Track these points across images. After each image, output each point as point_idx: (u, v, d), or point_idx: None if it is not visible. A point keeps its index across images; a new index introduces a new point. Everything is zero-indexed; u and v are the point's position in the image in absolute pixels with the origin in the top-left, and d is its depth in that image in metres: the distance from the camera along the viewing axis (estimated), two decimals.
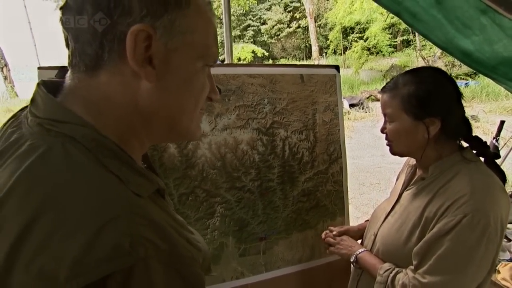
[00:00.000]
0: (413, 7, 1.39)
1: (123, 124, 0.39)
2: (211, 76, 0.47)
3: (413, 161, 0.90)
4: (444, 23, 1.51)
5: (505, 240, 1.27)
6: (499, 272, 1.10)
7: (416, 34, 12.71)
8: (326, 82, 1.21)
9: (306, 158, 1.19)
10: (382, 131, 0.82)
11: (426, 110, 0.72)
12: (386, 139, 0.82)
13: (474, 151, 0.76)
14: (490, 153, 0.75)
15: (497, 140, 2.04)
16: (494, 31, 1.66)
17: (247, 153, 1.10)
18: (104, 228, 0.28)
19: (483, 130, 6.37)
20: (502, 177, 0.72)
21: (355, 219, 2.99)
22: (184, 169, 1.03)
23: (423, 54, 11.93)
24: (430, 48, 12.75)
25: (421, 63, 12.14)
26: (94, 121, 0.37)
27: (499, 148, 2.09)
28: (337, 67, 1.24)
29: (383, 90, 0.80)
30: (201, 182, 1.06)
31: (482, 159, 0.76)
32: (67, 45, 0.39)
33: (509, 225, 1.33)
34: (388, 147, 0.83)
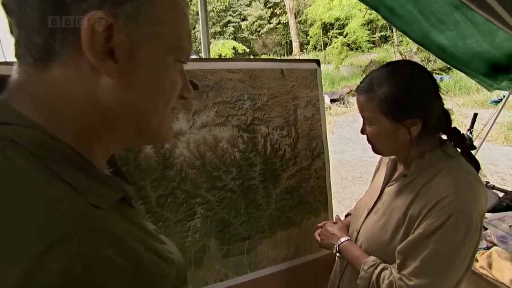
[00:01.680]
0: (390, 2, 1.40)
1: (81, 124, 0.34)
2: (184, 72, 0.43)
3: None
4: (419, 18, 1.53)
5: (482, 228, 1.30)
6: (477, 260, 1.12)
7: (394, 30, 13.02)
8: (307, 77, 1.19)
9: (288, 155, 1.16)
10: (362, 132, 0.79)
11: (406, 112, 0.69)
12: (367, 140, 0.80)
13: (452, 143, 0.75)
14: (466, 145, 0.75)
15: (471, 132, 2.10)
16: (467, 27, 1.70)
17: (228, 151, 1.06)
18: (50, 250, 0.23)
19: (457, 123, 6.57)
20: (476, 166, 0.72)
21: (338, 213, 3.02)
22: (162, 170, 0.99)
23: (401, 50, 12.24)
24: (407, 44, 13.09)
25: (398, 59, 12.45)
26: (45, 121, 0.32)
27: (473, 140, 2.15)
28: (317, 62, 1.22)
29: (358, 91, 0.76)
30: (180, 182, 1.01)
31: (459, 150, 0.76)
32: (11, 32, 0.34)
33: (486, 214, 1.37)
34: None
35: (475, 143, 2.20)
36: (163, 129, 0.40)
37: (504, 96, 2.23)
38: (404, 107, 0.68)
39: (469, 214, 0.61)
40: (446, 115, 0.75)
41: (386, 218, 0.74)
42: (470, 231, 0.60)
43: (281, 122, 1.14)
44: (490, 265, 1.08)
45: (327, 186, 1.25)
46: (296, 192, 1.19)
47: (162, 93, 0.38)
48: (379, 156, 0.90)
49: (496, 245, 1.16)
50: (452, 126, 0.76)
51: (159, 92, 0.37)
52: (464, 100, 8.60)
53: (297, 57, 11.84)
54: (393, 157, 0.85)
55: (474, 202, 0.63)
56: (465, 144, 0.75)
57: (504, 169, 4.02)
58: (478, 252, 1.16)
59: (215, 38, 21.35)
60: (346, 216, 1.08)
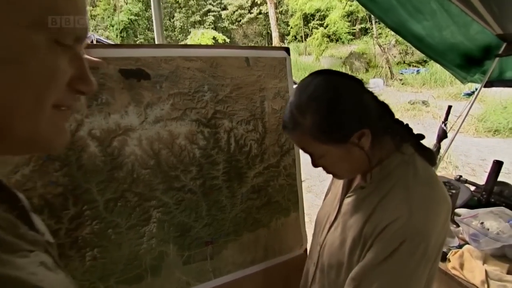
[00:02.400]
0: None
1: None
2: (81, 58, 0.32)
3: None
4: (396, 5, 1.48)
5: (454, 225, 1.28)
6: (449, 260, 1.10)
7: (374, 22, 13.15)
8: (275, 66, 1.10)
9: (255, 151, 1.07)
10: (315, 166, 0.71)
11: (344, 129, 0.61)
12: (325, 170, 0.72)
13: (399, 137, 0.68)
14: (415, 136, 0.68)
15: (445, 125, 2.10)
16: (443, 17, 1.67)
17: (186, 148, 0.96)
18: None
19: (432, 115, 6.80)
20: (431, 161, 0.66)
21: (315, 207, 2.99)
22: (110, 171, 0.87)
23: (380, 42, 12.38)
24: (386, 36, 13.27)
25: (378, 51, 12.62)
26: None
27: (447, 132, 2.17)
28: (287, 49, 1.12)
29: (285, 129, 0.68)
30: (132, 184, 0.90)
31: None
32: None
33: (459, 210, 1.35)
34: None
35: (449, 135, 2.23)
36: (44, 134, 0.30)
37: (476, 89, 2.24)
38: (340, 125, 0.60)
39: (425, 237, 0.53)
40: (383, 106, 0.67)
41: (344, 236, 0.67)
42: (426, 254, 0.53)
43: (246, 116, 1.05)
44: (462, 266, 1.05)
45: (298, 184, 1.18)
46: (263, 191, 1.10)
47: (26, 85, 0.27)
48: None
49: (468, 243, 1.14)
50: (395, 118, 0.69)
51: (23, 84, 0.27)
52: (439, 92, 8.85)
53: None
54: None
55: (430, 222, 0.55)
56: (413, 136, 0.68)
57: (474, 160, 4.15)
58: (451, 252, 1.13)
59: (194, 27, 20.77)
60: None
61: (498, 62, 2.01)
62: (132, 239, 0.92)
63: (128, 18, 18.59)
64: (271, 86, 1.09)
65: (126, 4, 19.32)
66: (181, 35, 21.64)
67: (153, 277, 0.95)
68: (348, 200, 0.71)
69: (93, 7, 20.03)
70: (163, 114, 0.92)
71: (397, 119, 0.68)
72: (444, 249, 1.17)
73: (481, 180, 3.61)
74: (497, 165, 1.34)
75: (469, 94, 7.72)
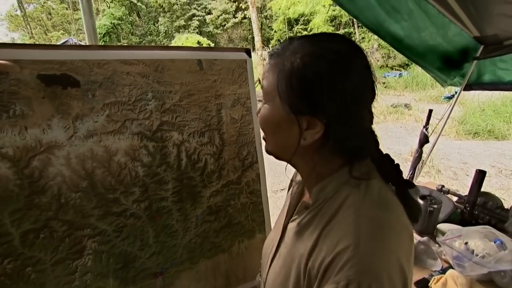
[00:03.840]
0: None
1: None
2: None
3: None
4: (374, 4, 1.39)
5: (437, 245, 1.18)
6: None
7: (356, 26, 13.33)
8: (234, 69, 0.98)
9: (211, 167, 0.95)
10: (257, 114, 0.57)
11: (309, 102, 0.46)
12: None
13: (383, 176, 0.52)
14: (404, 182, 0.52)
15: (426, 129, 2.04)
16: (421, 18, 1.59)
17: (126, 166, 0.82)
18: None
19: (415, 118, 6.84)
20: (410, 208, 0.50)
21: None
22: (28, 197, 0.72)
23: (363, 46, 12.51)
24: (369, 40, 13.48)
25: None
26: None
27: (428, 136, 2.11)
28: (247, 51, 1.01)
29: (269, 54, 0.53)
30: (59, 211, 0.76)
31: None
32: None
33: (441, 226, 1.25)
34: None
35: (431, 138, 2.17)
36: None
37: (456, 92, 2.19)
38: (309, 94, 0.46)
39: (376, 277, 0.40)
40: (368, 138, 0.53)
41: (287, 271, 0.53)
42: None
43: (200, 127, 0.92)
44: None
45: (263, 202, 1.05)
46: (222, 212, 0.97)
47: None
48: None
49: (452, 267, 1.03)
50: (384, 153, 0.55)
51: None
52: (420, 95, 8.98)
53: (259, 52, 11.60)
54: (300, 179, 0.64)
55: (382, 256, 0.41)
56: (402, 182, 0.52)
57: (456, 163, 4.15)
58: (433, 279, 1.01)
59: (179, 32, 20.58)
60: None
61: (476, 65, 1.96)
62: (59, 277, 0.77)
63: (111, 22, 18.23)
64: (229, 92, 0.97)
65: (109, 8, 18.96)
66: (166, 39, 21.40)
67: None
68: (291, 225, 0.58)
69: (74, 10, 19.56)
70: (97, 127, 0.78)
71: (387, 155, 0.55)
72: (426, 275, 1.05)
73: (463, 184, 3.60)
74: (480, 175, 1.26)
75: (449, 98, 7.86)
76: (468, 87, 2.08)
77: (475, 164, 4.01)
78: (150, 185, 0.85)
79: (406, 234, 0.46)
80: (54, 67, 0.73)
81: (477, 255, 0.98)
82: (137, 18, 22.07)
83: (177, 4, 21.35)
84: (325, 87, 0.45)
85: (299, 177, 0.65)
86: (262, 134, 0.58)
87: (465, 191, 1.72)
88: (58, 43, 10.39)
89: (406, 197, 0.50)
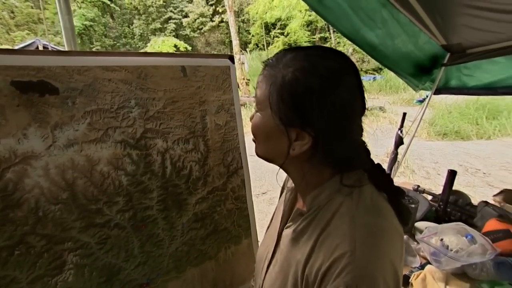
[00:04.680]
0: None
1: None
2: None
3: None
4: (350, 12, 1.44)
5: (415, 243, 1.24)
6: (411, 285, 1.04)
7: (332, 31, 13.72)
8: (218, 76, 0.98)
9: (197, 174, 0.94)
10: (251, 120, 0.58)
11: (299, 115, 0.48)
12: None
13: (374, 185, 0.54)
14: (395, 190, 0.55)
15: (401, 131, 2.13)
16: (394, 26, 1.68)
17: (109, 175, 0.80)
18: None
19: (389, 120, 7.13)
20: (401, 214, 0.52)
21: None
22: (1, 212, 0.68)
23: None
24: (344, 45, 13.90)
25: None
26: None
27: (403, 137, 2.20)
28: (231, 57, 1.01)
29: (264, 64, 0.55)
30: (36, 225, 0.72)
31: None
32: None
33: (419, 224, 1.31)
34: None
35: (405, 140, 2.27)
36: None
37: (427, 96, 2.32)
38: (299, 107, 0.47)
39: (373, 281, 0.42)
40: (358, 150, 0.55)
41: (284, 277, 0.54)
42: None
43: (184, 134, 0.91)
44: None
45: (249, 207, 1.06)
46: (208, 219, 0.97)
47: None
48: None
49: (430, 263, 1.09)
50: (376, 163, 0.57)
51: None
52: (394, 98, 9.37)
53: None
54: (292, 185, 0.65)
55: (378, 261, 0.44)
56: (393, 189, 0.55)
57: (428, 163, 4.37)
58: (413, 275, 1.07)
59: (155, 34, 20.19)
60: None
61: (444, 71, 2.09)
62: None
63: (83, 24, 17.54)
64: (213, 98, 0.97)
65: (80, 8, 18.24)
66: (141, 42, 20.91)
67: None
68: (287, 232, 0.59)
69: (41, 9, 18.63)
70: (78, 136, 0.76)
71: (378, 164, 0.57)
72: (406, 272, 1.11)
73: (435, 183, 3.79)
74: (451, 175, 1.34)
75: (421, 101, 8.27)
76: (438, 91, 2.21)
77: (445, 164, 4.24)
78: (134, 194, 0.83)
79: (398, 237, 0.48)
80: (30, 74, 0.70)
81: (451, 250, 1.04)
82: (110, 19, 21.41)
83: (153, 7, 20.97)
84: (315, 102, 0.47)
85: (291, 183, 0.67)
86: (251, 137, 0.59)
87: (437, 189, 1.82)
88: (24, 44, 9.84)
89: (397, 204, 0.53)
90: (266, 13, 12.87)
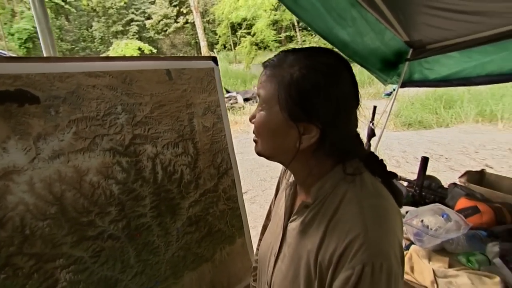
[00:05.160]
0: None
1: None
2: None
3: (290, 173, 0.70)
4: (323, 12, 1.50)
5: None
6: None
7: (297, 30, 14.01)
8: (203, 78, 0.98)
9: (188, 177, 0.93)
10: (251, 120, 0.60)
11: (306, 109, 0.51)
12: (253, 132, 0.60)
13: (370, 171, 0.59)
14: (389, 174, 0.60)
15: (373, 124, 2.24)
16: (363, 24, 1.77)
17: (100, 185, 0.77)
18: None
19: (359, 113, 7.43)
20: (395, 194, 0.57)
21: (260, 218, 2.93)
22: None
23: None
24: (310, 43, 14.26)
25: None
26: None
27: (374, 130, 2.32)
28: (214, 59, 1.01)
29: (265, 64, 0.57)
30: (23, 245, 0.68)
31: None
32: None
33: (405, 209, 1.40)
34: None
35: (376, 132, 2.39)
36: None
37: (394, 90, 2.46)
38: (307, 102, 0.51)
39: (386, 256, 0.46)
40: (355, 140, 0.59)
41: (295, 269, 0.56)
42: (392, 274, 0.46)
43: (173, 138, 0.90)
44: (412, 269, 1.07)
45: (241, 207, 1.07)
46: (202, 222, 0.97)
47: None
48: None
49: (414, 243, 1.18)
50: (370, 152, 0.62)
51: None
52: (361, 92, 9.74)
53: None
54: (291, 180, 0.67)
55: (387, 238, 0.49)
56: (387, 174, 0.60)
57: (397, 152, 4.62)
58: None
59: (117, 37, 19.37)
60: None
61: (408, 66, 2.24)
62: None
63: (33, 26, 16.33)
64: (199, 101, 0.96)
65: (29, 9, 16.97)
66: (102, 46, 19.95)
67: None
68: (292, 225, 0.61)
69: None
70: (64, 146, 0.72)
71: (372, 153, 0.61)
72: None
73: (405, 170, 4.03)
74: (425, 161, 1.44)
75: (389, 94, 8.72)
76: (403, 85, 2.36)
77: (413, 152, 4.52)
78: (126, 203, 0.81)
79: (398, 216, 0.54)
80: (6, 82, 0.66)
81: (431, 229, 1.14)
82: (66, 22, 20.17)
83: (113, 8, 20.06)
84: (321, 96, 0.51)
85: (289, 179, 0.69)
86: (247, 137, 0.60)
87: (408, 176, 1.95)
88: None
89: (392, 186, 0.58)
90: (231, 13, 12.84)
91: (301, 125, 0.52)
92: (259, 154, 0.60)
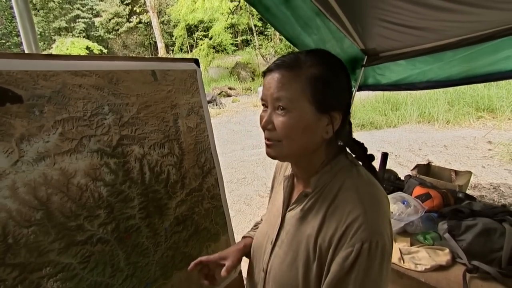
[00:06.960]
0: (266, 1, 1.40)
1: None
2: None
3: (286, 167, 0.78)
4: (292, 20, 1.60)
5: None
6: None
7: (254, 34, 14.25)
8: (186, 79, 0.99)
9: (174, 177, 0.94)
10: (266, 125, 0.60)
11: (334, 99, 0.58)
12: (268, 137, 0.60)
13: (354, 155, 0.69)
14: (369, 157, 0.70)
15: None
16: (325, 32, 1.91)
17: (88, 187, 0.75)
18: None
19: None
20: (376, 176, 0.67)
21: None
22: None
23: (262, 53, 13.49)
24: (266, 47, 14.59)
25: (261, 61, 13.72)
26: None
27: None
28: (196, 61, 1.04)
29: (277, 67, 0.58)
30: (5, 255, 0.63)
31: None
32: None
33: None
34: (265, 144, 0.62)
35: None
36: None
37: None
38: (334, 92, 0.58)
39: (381, 235, 0.54)
40: (349, 125, 0.68)
41: (294, 253, 0.62)
42: (385, 253, 0.54)
43: (159, 138, 0.90)
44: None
45: (224, 205, 1.10)
46: (189, 221, 0.98)
47: None
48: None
49: None
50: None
51: None
52: None
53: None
54: (288, 173, 0.72)
55: (383, 219, 0.56)
56: (368, 157, 0.70)
57: None
58: None
59: (60, 34, 17.81)
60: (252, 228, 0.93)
61: (363, 71, 2.46)
62: None
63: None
64: (183, 102, 0.98)
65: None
66: (42, 43, 18.15)
67: None
68: (291, 213, 0.67)
69: None
70: (49, 148, 0.69)
71: (355, 139, 0.70)
72: None
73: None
74: (384, 157, 1.61)
75: None
76: (360, 88, 2.57)
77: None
78: (115, 205, 0.80)
79: (387, 201, 0.62)
80: None
81: (395, 215, 1.30)
82: None
83: (54, 2, 18.40)
84: (340, 88, 0.59)
85: (287, 173, 0.74)
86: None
87: None
88: None
89: (373, 170, 0.67)
90: (188, 15, 12.62)
91: (326, 115, 0.58)
92: (279, 157, 0.62)
